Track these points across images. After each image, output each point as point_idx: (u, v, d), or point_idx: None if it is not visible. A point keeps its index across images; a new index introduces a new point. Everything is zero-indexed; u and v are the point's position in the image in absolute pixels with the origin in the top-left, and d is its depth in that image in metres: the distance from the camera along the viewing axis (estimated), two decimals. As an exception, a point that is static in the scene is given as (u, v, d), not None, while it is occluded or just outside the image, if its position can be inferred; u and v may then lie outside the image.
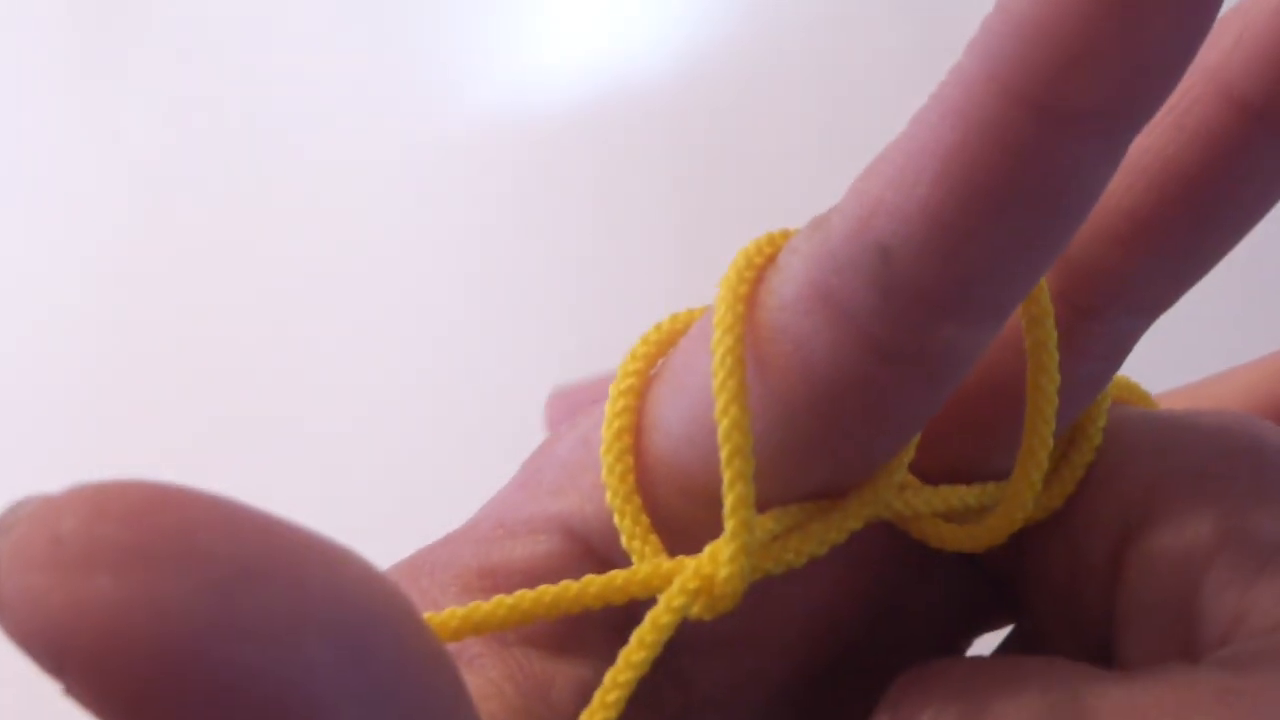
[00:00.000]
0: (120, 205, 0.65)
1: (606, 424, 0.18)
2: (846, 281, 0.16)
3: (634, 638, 0.17)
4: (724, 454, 0.17)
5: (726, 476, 0.17)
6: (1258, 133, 0.17)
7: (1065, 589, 0.20)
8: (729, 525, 0.17)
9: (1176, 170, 0.18)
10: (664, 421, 0.18)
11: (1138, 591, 0.18)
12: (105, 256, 0.65)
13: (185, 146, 0.64)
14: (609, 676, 0.17)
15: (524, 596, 0.18)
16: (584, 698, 0.18)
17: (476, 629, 0.18)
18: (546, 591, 0.18)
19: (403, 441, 0.61)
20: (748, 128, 0.62)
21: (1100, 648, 0.19)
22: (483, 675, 0.18)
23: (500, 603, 0.18)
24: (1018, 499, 0.19)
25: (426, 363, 0.63)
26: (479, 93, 0.67)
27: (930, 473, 0.19)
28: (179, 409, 0.62)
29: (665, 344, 0.19)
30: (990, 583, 0.22)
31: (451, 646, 0.18)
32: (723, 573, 0.17)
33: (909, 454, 0.18)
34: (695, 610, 0.18)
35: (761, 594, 0.19)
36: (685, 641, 0.19)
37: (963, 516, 0.19)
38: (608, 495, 0.18)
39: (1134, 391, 0.22)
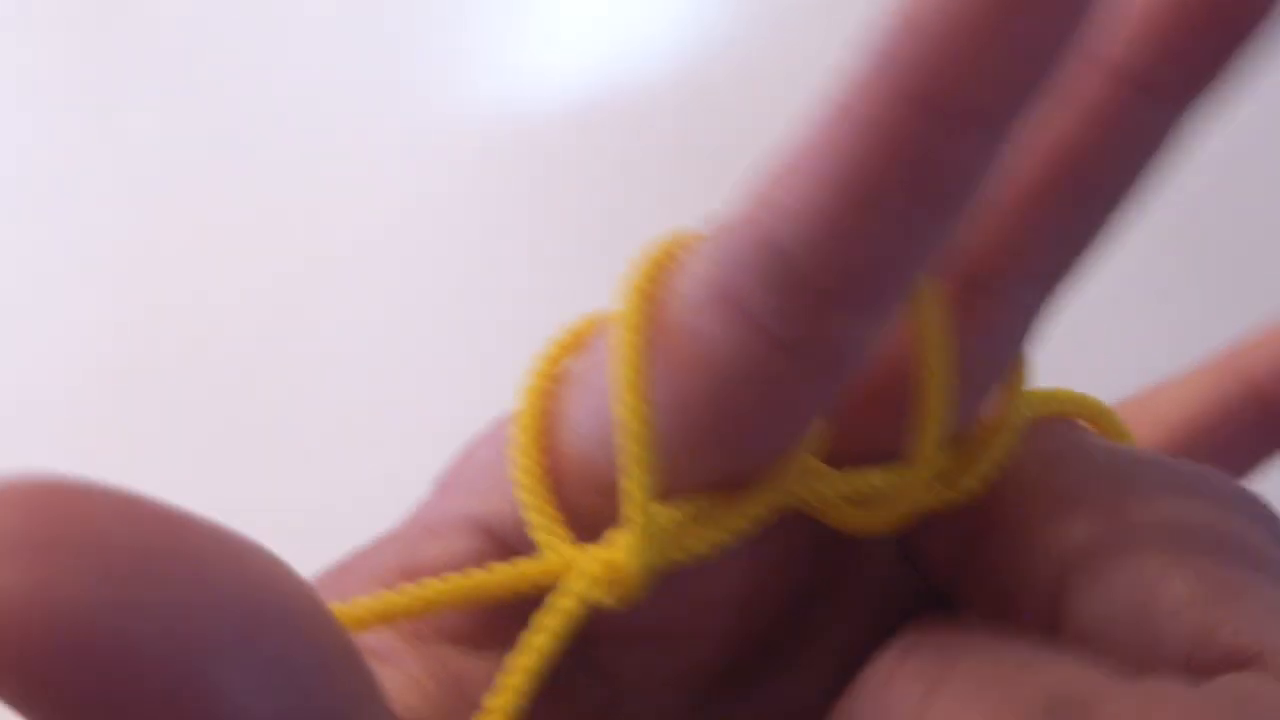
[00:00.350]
0: (115, 205, 0.65)
1: (518, 420, 0.19)
2: (743, 280, 0.17)
3: (535, 623, 0.18)
4: (622, 444, 0.17)
5: (625, 465, 0.17)
6: (1137, 101, 0.18)
7: (1009, 599, 0.20)
8: (628, 511, 0.17)
9: (1060, 140, 0.18)
10: (574, 420, 0.18)
11: (1090, 604, 0.18)
12: (104, 255, 0.65)
13: (183, 145, 0.64)
14: (511, 661, 0.17)
15: (430, 585, 0.18)
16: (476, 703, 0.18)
17: (384, 618, 0.18)
18: (453, 580, 0.18)
19: (402, 441, 0.61)
20: (747, 128, 0.62)
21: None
22: (402, 670, 0.18)
23: (406, 592, 0.18)
24: (916, 480, 0.19)
25: (424, 362, 0.63)
26: (476, 92, 0.67)
27: (845, 458, 0.19)
28: (179, 407, 0.62)
29: (576, 344, 0.20)
30: (923, 574, 0.22)
31: (372, 644, 0.19)
32: (625, 558, 0.18)
33: (817, 442, 0.19)
34: (603, 599, 0.18)
35: (678, 585, 0.19)
36: (602, 634, 0.19)
37: (875, 501, 0.19)
38: (518, 490, 0.18)
39: (1109, 420, 0.22)
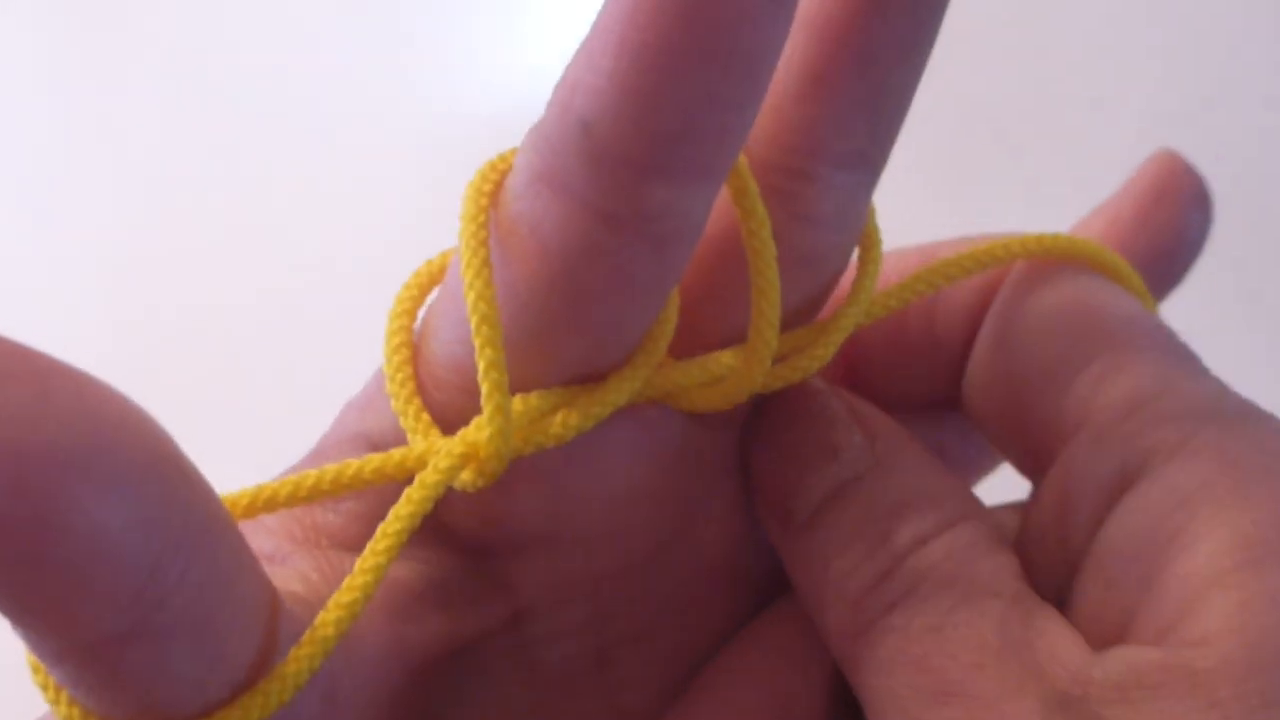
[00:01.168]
0: (114, 204, 0.65)
1: (386, 340, 0.21)
2: (560, 160, 0.18)
3: (403, 496, 0.19)
4: (475, 334, 0.18)
5: (479, 351, 0.18)
6: None
7: (1051, 530, 0.21)
8: (485, 391, 0.19)
9: (833, 17, 0.19)
10: (439, 330, 0.20)
11: (1112, 548, 0.20)
12: (104, 254, 0.65)
13: (180, 144, 0.64)
14: (380, 529, 0.19)
15: (307, 475, 0.19)
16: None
17: (266, 506, 0.19)
18: (328, 470, 0.19)
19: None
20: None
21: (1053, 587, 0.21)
22: (291, 568, 0.20)
23: (286, 482, 0.19)
24: (754, 356, 0.20)
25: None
26: (473, 92, 0.67)
27: (691, 347, 0.21)
28: (180, 408, 0.62)
29: (438, 274, 0.21)
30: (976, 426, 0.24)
31: (267, 549, 0.20)
32: (483, 437, 0.19)
33: (666, 335, 0.20)
34: (467, 477, 0.19)
35: (556, 487, 0.21)
36: (496, 545, 0.21)
37: (721, 382, 0.21)
38: (391, 400, 0.20)
39: (1121, 270, 0.23)
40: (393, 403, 0.20)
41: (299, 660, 0.17)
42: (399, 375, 0.20)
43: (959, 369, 0.23)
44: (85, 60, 0.66)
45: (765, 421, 0.22)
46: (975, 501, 0.21)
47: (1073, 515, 0.20)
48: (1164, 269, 0.25)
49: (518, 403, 0.19)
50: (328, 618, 0.18)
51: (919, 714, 0.19)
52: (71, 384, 0.15)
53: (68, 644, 0.16)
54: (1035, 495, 0.22)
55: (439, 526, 0.21)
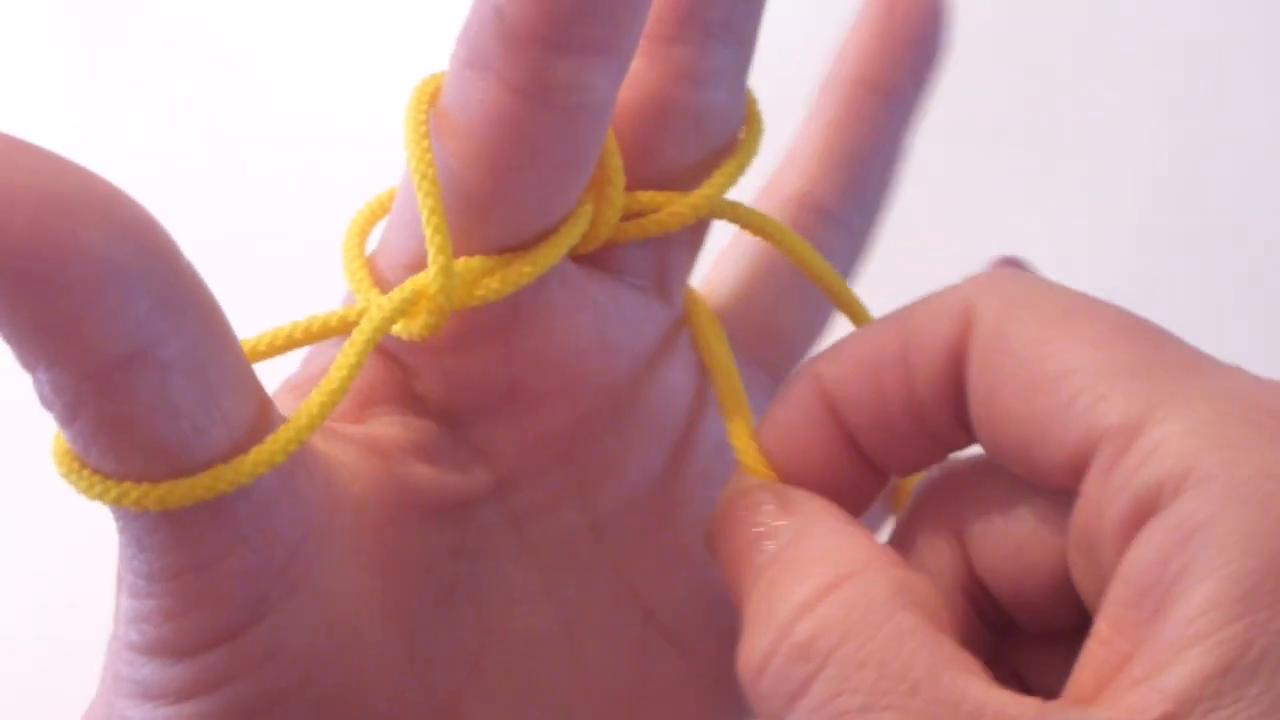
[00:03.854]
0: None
1: (344, 242, 0.24)
2: (480, 44, 0.21)
3: (354, 333, 0.22)
4: (420, 205, 0.22)
5: (423, 210, 0.22)
6: None
7: (1084, 560, 0.20)
8: (428, 236, 0.22)
9: None
10: (397, 222, 0.23)
11: (1119, 589, 0.19)
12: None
13: (180, 143, 0.64)
14: (338, 358, 0.22)
15: (279, 331, 0.23)
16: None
17: (249, 356, 0.22)
18: (283, 330, 0.23)
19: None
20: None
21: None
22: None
23: (261, 338, 0.23)
24: (603, 204, 0.23)
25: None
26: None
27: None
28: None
29: (389, 202, 0.25)
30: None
31: None
32: (431, 278, 0.22)
33: (589, 213, 0.23)
34: (417, 325, 0.22)
35: (507, 347, 0.23)
36: (463, 411, 0.24)
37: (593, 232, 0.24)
38: (348, 283, 0.24)
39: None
40: (348, 282, 0.24)
41: (287, 432, 0.20)
42: (355, 264, 0.24)
43: (953, 420, 0.22)
44: (86, 59, 0.66)
45: (719, 535, 0.23)
46: (882, 552, 0.21)
47: (1096, 552, 0.20)
48: (917, 56, 0.29)
49: (458, 265, 0.22)
50: (307, 408, 0.21)
51: None
52: (74, 165, 0.18)
53: (81, 371, 0.18)
54: (1073, 519, 0.21)
55: (413, 399, 0.24)
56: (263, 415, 0.20)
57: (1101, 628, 0.19)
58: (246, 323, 0.24)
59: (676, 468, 0.26)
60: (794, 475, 0.23)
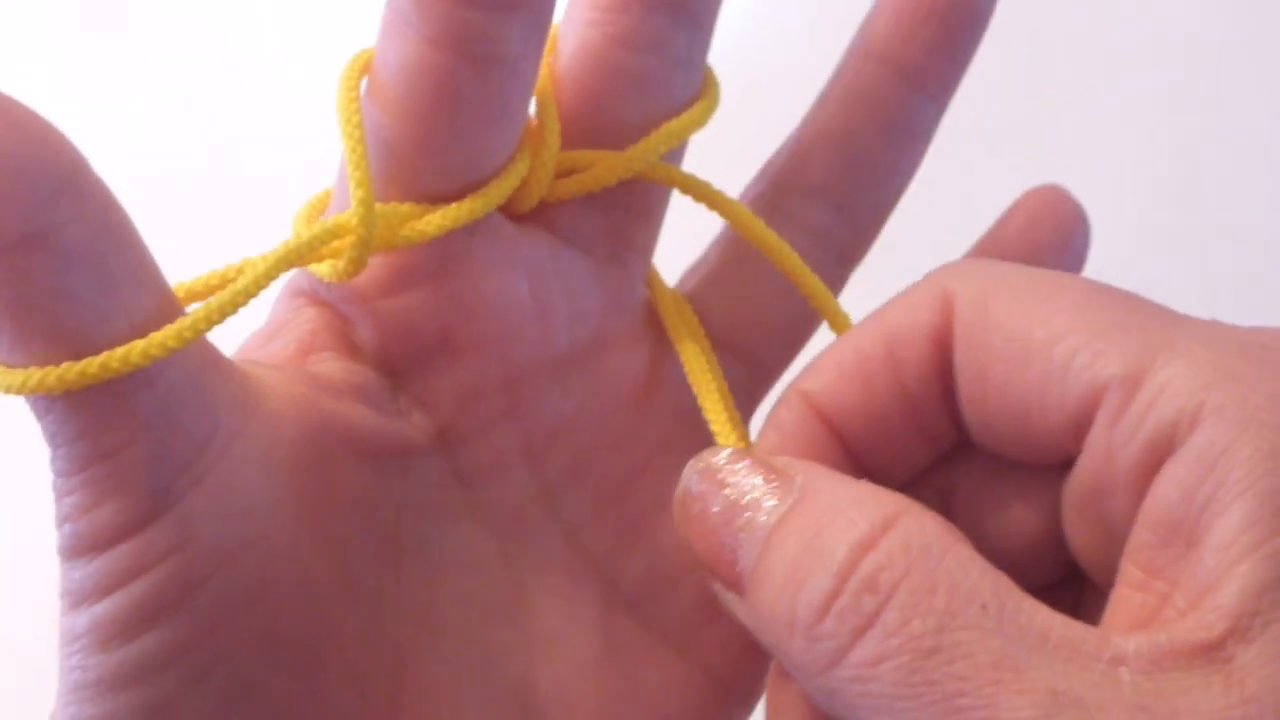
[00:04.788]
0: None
1: (297, 213, 0.26)
2: (401, 1, 0.22)
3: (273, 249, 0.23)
4: (344, 152, 0.23)
5: (348, 159, 0.23)
6: None
7: (1091, 512, 0.21)
8: (348, 173, 0.23)
9: None
10: (339, 187, 0.24)
11: (1148, 527, 0.19)
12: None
13: (179, 144, 0.64)
14: (247, 269, 0.23)
15: (230, 266, 0.24)
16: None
17: (202, 292, 0.24)
18: (248, 261, 0.24)
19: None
20: (752, 133, 0.62)
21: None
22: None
23: (197, 280, 0.24)
24: (538, 161, 0.25)
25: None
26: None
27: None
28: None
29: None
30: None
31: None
32: (349, 216, 0.23)
33: (521, 171, 0.24)
34: (342, 265, 0.23)
35: (437, 296, 0.24)
36: (403, 361, 0.25)
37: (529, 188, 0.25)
38: (295, 226, 0.25)
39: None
40: (295, 226, 0.25)
41: (185, 321, 0.21)
42: (303, 223, 0.25)
43: (944, 411, 0.23)
44: (86, 59, 0.66)
45: (695, 505, 0.22)
46: (908, 499, 0.21)
47: (1109, 499, 0.20)
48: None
49: (384, 208, 0.23)
50: (207, 305, 0.22)
51: None
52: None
53: None
54: (1069, 481, 0.21)
55: (353, 349, 0.25)
56: (165, 312, 0.21)
57: (1132, 573, 0.19)
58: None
59: (633, 436, 0.26)
60: None
